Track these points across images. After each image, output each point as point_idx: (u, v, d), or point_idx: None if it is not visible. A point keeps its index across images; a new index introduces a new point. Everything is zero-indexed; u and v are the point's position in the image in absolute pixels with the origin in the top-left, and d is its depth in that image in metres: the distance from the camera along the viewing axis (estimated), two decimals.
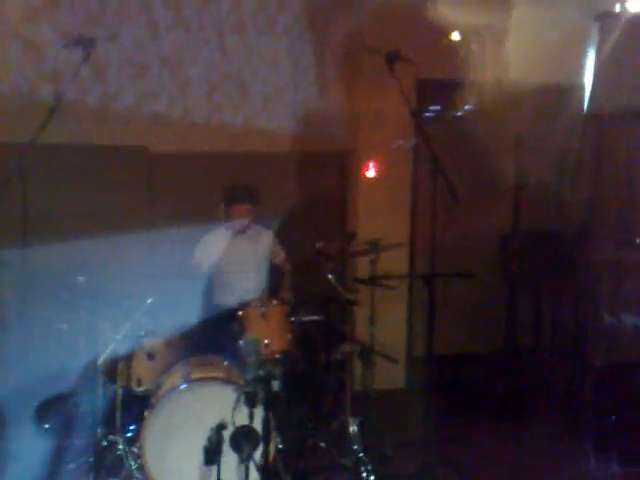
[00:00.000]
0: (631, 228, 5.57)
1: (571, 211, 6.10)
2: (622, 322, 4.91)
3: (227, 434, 3.20)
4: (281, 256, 4.92)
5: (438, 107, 5.73)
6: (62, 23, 4.65)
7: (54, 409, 4.23)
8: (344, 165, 5.68)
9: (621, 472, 4.29)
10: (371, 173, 5.39)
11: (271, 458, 3.29)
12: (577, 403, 5.03)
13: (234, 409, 2.83)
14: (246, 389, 2.76)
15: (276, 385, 2.74)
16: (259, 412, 2.92)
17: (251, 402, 2.77)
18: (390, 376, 5.36)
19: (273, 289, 4.77)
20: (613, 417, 4.55)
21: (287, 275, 4.90)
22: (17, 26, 4.75)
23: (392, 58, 4.13)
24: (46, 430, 4.16)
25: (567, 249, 5.72)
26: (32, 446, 3.93)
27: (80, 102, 4.76)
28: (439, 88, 5.60)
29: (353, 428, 4.25)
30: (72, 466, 3.98)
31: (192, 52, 5.27)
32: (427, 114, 5.59)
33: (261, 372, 2.74)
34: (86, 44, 3.44)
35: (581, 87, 6.24)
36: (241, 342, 3.28)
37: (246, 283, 4.70)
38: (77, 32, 3.43)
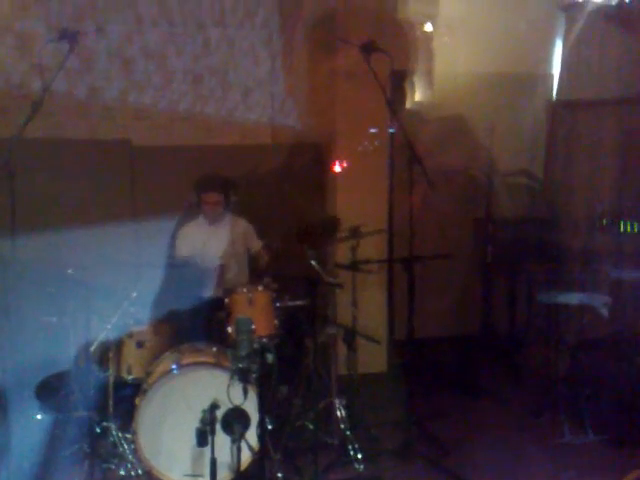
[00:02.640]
0: (599, 211, 5.74)
1: (543, 196, 6.28)
2: (592, 301, 5.09)
3: (219, 414, 3.32)
4: (258, 246, 4.97)
5: None
6: (49, 17, 4.69)
7: (47, 397, 4.29)
8: (323, 155, 5.79)
9: (595, 441, 4.49)
10: (337, 168, 5.53)
11: (264, 435, 3.40)
12: (552, 380, 5.21)
13: (229, 386, 2.94)
14: (240, 365, 2.87)
15: (270, 358, 2.85)
16: (253, 388, 3.03)
17: (245, 378, 2.89)
18: (373, 360, 5.50)
19: (255, 277, 4.87)
20: (587, 391, 4.75)
21: (266, 264, 4.97)
22: (4, 19, 4.78)
23: (368, 49, 4.26)
24: (39, 420, 4.21)
25: (539, 234, 5.89)
26: (25, 436, 3.99)
27: (65, 96, 4.82)
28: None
29: (339, 409, 4.39)
30: (66, 453, 4.06)
31: (175, 46, 5.35)
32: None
33: (256, 345, 2.86)
34: (71, 38, 3.50)
35: (550, 76, 6.43)
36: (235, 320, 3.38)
37: (225, 272, 4.78)
38: (63, 26, 3.47)
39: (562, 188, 6.24)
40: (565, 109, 6.27)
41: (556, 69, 6.41)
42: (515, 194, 6.15)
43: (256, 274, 4.85)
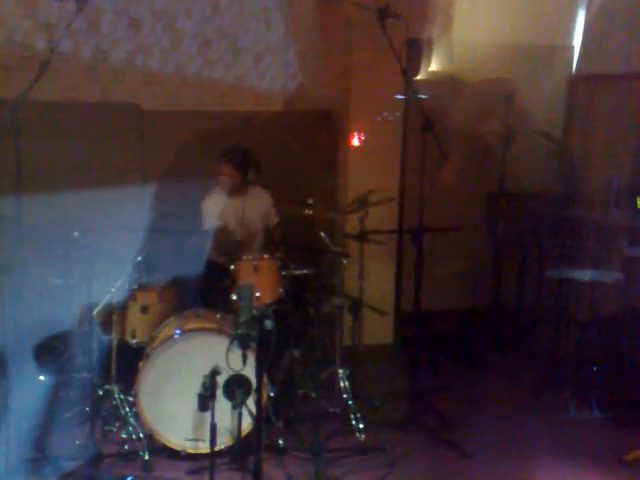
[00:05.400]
0: (616, 187, 5.65)
1: (559, 171, 6.18)
2: (603, 277, 5.03)
3: (221, 380, 3.33)
4: (274, 221, 4.90)
5: None
6: None
7: (45, 358, 4.32)
8: (336, 122, 5.73)
9: (600, 417, 4.46)
10: (355, 142, 5.46)
11: (264, 401, 3.41)
12: (560, 355, 5.18)
13: (228, 350, 2.94)
14: (239, 331, 2.87)
15: (269, 324, 2.84)
16: (252, 355, 3.03)
17: (244, 344, 2.89)
18: (379, 331, 5.48)
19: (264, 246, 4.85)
20: (594, 367, 4.71)
21: (278, 239, 4.93)
22: None
23: (383, 14, 4.17)
24: (42, 380, 4.25)
25: (553, 208, 5.80)
26: (27, 398, 4.02)
27: (73, 57, 4.77)
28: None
29: (342, 378, 4.38)
30: (68, 415, 4.10)
31: (184, 8, 5.26)
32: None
33: (254, 312, 2.85)
34: None
35: (570, 48, 6.29)
36: (236, 287, 3.38)
37: (236, 243, 4.74)
38: None
39: (579, 163, 6.14)
40: (585, 83, 6.14)
41: (577, 41, 6.26)
42: (531, 163, 6.03)
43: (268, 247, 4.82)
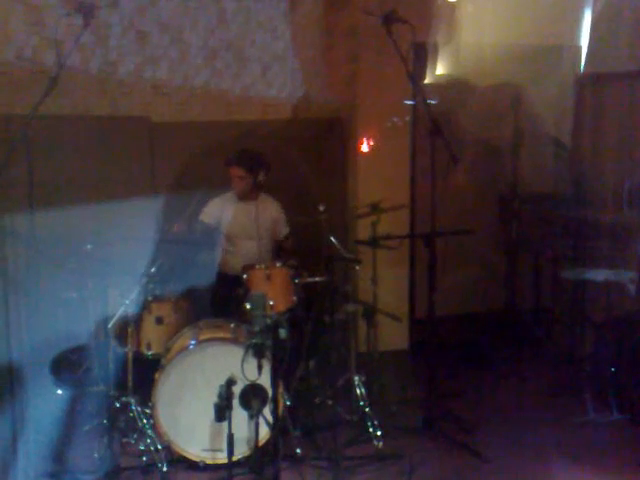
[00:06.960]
0: (628, 187, 5.61)
1: (569, 172, 6.15)
2: (619, 278, 4.99)
3: (237, 390, 3.32)
4: (285, 232, 4.89)
5: None
6: None
7: (67, 372, 4.33)
8: (344, 129, 5.72)
9: (619, 419, 4.41)
10: (365, 148, 5.45)
11: (280, 410, 3.39)
12: (577, 358, 5.14)
13: (243, 360, 2.94)
14: (254, 340, 2.86)
15: (283, 333, 2.83)
16: (267, 364, 3.02)
17: (259, 353, 2.88)
18: (394, 337, 5.46)
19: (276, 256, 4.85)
20: (613, 369, 4.67)
21: (289, 250, 4.92)
22: None
23: (389, 20, 4.17)
24: (59, 394, 4.25)
25: (565, 210, 5.77)
26: (45, 411, 4.03)
27: (81, 72, 4.81)
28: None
29: (358, 385, 4.36)
30: (86, 428, 4.11)
31: (191, 20, 5.29)
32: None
33: (268, 321, 2.84)
34: (86, 11, 3.48)
35: (578, 47, 6.26)
36: (249, 296, 3.37)
37: (248, 250, 4.76)
38: None
39: (590, 163, 6.11)
40: (593, 82, 6.11)
41: (584, 41, 6.23)
42: (543, 165, 6.00)
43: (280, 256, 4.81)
